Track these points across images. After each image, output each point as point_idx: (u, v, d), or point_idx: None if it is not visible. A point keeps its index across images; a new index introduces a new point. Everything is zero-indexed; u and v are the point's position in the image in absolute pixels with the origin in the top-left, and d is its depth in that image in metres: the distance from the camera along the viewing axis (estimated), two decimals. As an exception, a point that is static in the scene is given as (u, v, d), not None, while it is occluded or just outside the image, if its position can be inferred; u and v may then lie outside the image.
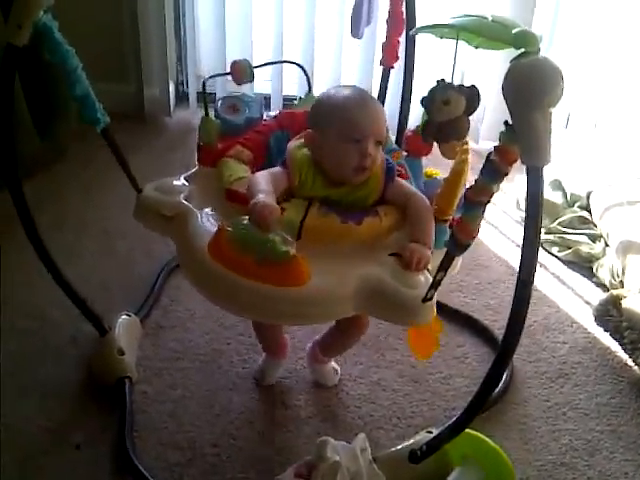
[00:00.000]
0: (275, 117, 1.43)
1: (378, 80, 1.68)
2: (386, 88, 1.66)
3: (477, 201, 0.94)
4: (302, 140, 1.25)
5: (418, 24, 1.52)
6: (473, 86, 1.17)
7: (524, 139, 0.86)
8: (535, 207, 0.90)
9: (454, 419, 1.19)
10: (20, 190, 1.29)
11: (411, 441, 1.31)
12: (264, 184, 1.13)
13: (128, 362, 1.51)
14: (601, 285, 1.94)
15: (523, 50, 0.86)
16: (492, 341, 1.68)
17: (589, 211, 2.18)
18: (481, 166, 0.93)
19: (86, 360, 1.55)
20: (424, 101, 1.21)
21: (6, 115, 1.21)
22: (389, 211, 1.19)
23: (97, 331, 1.54)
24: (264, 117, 1.45)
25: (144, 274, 1.85)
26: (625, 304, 1.66)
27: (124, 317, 1.60)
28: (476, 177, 0.94)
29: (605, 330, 1.70)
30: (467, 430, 1.20)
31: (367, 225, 1.15)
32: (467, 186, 1.14)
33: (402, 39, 1.56)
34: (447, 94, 1.17)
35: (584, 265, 2.03)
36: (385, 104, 1.57)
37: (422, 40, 1.55)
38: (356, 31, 1.56)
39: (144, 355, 1.59)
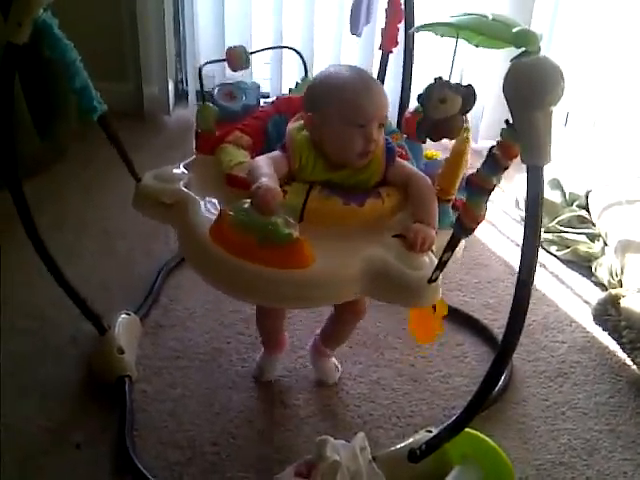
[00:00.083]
0: (272, 102, 1.42)
1: (377, 66, 1.67)
2: (385, 72, 1.65)
3: (479, 187, 0.94)
4: (301, 122, 1.24)
5: (417, 21, 1.52)
6: (470, 85, 1.17)
7: (525, 138, 0.86)
8: (535, 206, 0.90)
9: (454, 418, 1.19)
10: (20, 190, 1.29)
11: (410, 440, 1.31)
12: (266, 167, 1.13)
13: (128, 361, 1.51)
14: (600, 284, 1.94)
15: (524, 49, 0.86)
16: (491, 340, 1.68)
17: (588, 210, 2.18)
18: (479, 165, 0.94)
19: (86, 359, 1.55)
20: (420, 98, 1.21)
21: (6, 114, 1.21)
22: (391, 192, 1.19)
23: (97, 330, 1.54)
24: (261, 104, 1.45)
25: (144, 273, 1.85)
26: (624, 303, 1.66)
27: (124, 316, 1.60)
28: (478, 167, 0.94)
29: (604, 329, 1.70)
30: (466, 429, 1.20)
31: (370, 206, 1.15)
32: (468, 167, 1.15)
33: (401, 26, 1.56)
34: (444, 92, 1.17)
35: (583, 264, 2.03)
36: (384, 88, 1.57)
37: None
38: (355, 29, 1.56)
39: (144, 354, 1.59)
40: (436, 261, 1.05)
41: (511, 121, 0.87)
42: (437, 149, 1.35)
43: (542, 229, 1.00)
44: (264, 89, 2.67)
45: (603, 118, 2.63)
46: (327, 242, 1.08)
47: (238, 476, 1.33)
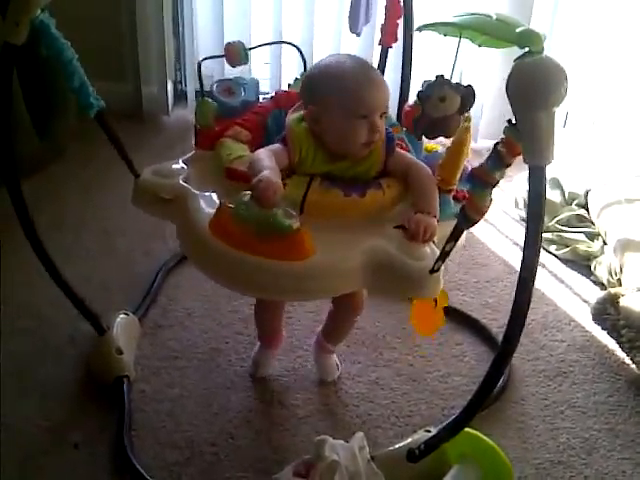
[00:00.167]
0: (272, 97, 1.42)
1: (377, 60, 1.67)
2: (384, 66, 1.65)
3: (483, 180, 0.95)
4: (301, 112, 1.23)
5: (417, 17, 1.53)
6: (470, 86, 1.17)
7: (528, 138, 0.86)
8: (537, 206, 0.90)
9: (453, 418, 1.19)
10: (19, 190, 1.29)
11: (409, 440, 1.31)
12: (267, 160, 1.12)
13: (126, 361, 1.51)
14: (599, 283, 1.94)
15: (527, 49, 0.86)
16: (490, 340, 1.68)
17: (587, 209, 2.18)
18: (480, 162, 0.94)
19: (84, 359, 1.55)
20: (420, 95, 1.21)
21: (4, 114, 1.21)
22: (392, 183, 1.19)
23: (95, 330, 1.54)
24: (260, 99, 1.45)
25: (143, 273, 1.85)
26: (623, 302, 1.66)
27: (122, 316, 1.60)
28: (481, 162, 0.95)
29: (603, 328, 1.70)
30: (465, 429, 1.20)
31: (370, 197, 1.15)
32: (468, 158, 1.15)
33: (400, 22, 1.56)
34: (444, 91, 1.17)
35: (582, 263, 2.03)
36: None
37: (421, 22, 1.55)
38: (355, 28, 1.56)
39: (142, 354, 1.59)
40: (438, 251, 1.05)
41: (514, 121, 0.87)
42: (436, 143, 1.35)
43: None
44: (264, 89, 2.67)
45: (602, 117, 2.63)
46: (327, 234, 1.08)
47: (236, 476, 1.33)
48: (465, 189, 1.15)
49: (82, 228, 2.07)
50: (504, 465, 1.27)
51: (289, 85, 1.50)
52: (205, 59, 1.38)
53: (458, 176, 1.18)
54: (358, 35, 1.59)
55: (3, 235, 1.81)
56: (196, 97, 2.68)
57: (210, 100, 1.35)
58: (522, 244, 0.93)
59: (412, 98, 1.24)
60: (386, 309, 1.74)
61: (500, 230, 2.19)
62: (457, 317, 1.75)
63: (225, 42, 2.56)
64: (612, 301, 1.68)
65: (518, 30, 0.89)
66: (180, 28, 2.75)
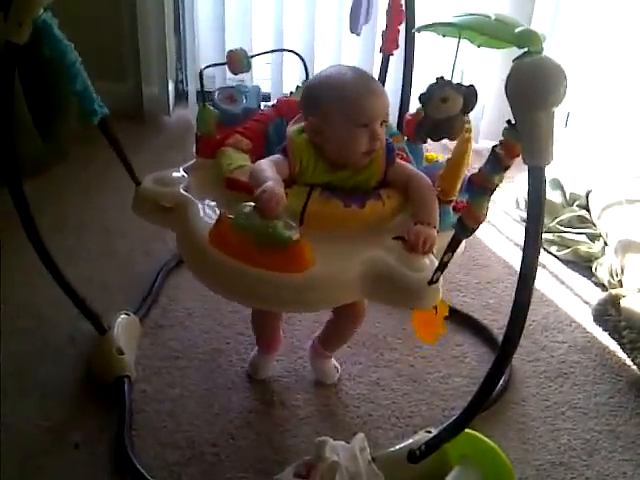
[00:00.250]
0: (273, 105, 1.42)
1: (378, 67, 1.68)
2: (386, 74, 1.66)
3: (481, 187, 0.94)
4: (301, 124, 1.23)
5: (419, 20, 1.52)
6: (471, 86, 1.17)
7: (527, 139, 0.86)
8: (537, 206, 0.90)
9: (453, 419, 1.19)
10: (21, 191, 1.29)
11: (410, 441, 1.31)
12: (270, 171, 1.12)
13: (127, 361, 1.51)
14: (600, 284, 1.94)
15: (526, 49, 0.86)
16: (491, 341, 1.68)
17: (588, 210, 2.18)
18: (480, 164, 0.94)
19: (85, 359, 1.55)
20: (422, 97, 1.21)
21: (6, 114, 1.21)
22: (391, 193, 1.19)
23: (96, 330, 1.53)
24: (261, 107, 1.45)
25: (143, 274, 1.85)
26: (624, 303, 1.66)
27: (123, 316, 1.60)
28: (479, 167, 0.94)
29: (604, 329, 1.70)
30: (466, 430, 1.19)
31: (370, 208, 1.15)
32: (469, 168, 1.15)
33: (402, 28, 1.56)
34: (445, 92, 1.17)
35: (583, 264, 2.03)
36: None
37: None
38: (355, 27, 1.56)
39: (143, 354, 1.59)
40: (436, 262, 1.05)
41: (513, 121, 0.87)
42: (438, 151, 1.35)
43: (543, 229, 1.00)
44: (264, 89, 2.67)
45: (604, 118, 2.62)
46: (327, 245, 1.08)
47: (237, 477, 1.33)
48: (464, 199, 1.15)
49: (83, 229, 2.07)
50: (505, 466, 1.27)
51: (291, 93, 1.50)
52: (207, 67, 1.39)
53: (458, 187, 1.18)
54: (358, 34, 1.59)
55: (3, 235, 1.81)
56: (197, 101, 2.68)
57: (211, 107, 1.36)
58: (523, 245, 0.93)
59: (413, 106, 1.24)
60: (386, 310, 1.73)
61: (501, 231, 2.19)
62: (458, 318, 1.75)
63: (226, 41, 2.60)
64: (613, 302, 1.67)
65: (517, 30, 0.89)
66: (181, 27, 2.75)
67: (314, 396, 1.52)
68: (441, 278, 1.05)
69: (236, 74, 1.39)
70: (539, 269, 0.95)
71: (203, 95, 1.35)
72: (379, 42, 1.60)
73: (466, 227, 0.98)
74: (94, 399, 1.47)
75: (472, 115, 1.23)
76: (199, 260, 1.14)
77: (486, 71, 2.47)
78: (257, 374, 1.54)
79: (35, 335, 1.63)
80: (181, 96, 2.91)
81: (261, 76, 2.73)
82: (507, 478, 1.27)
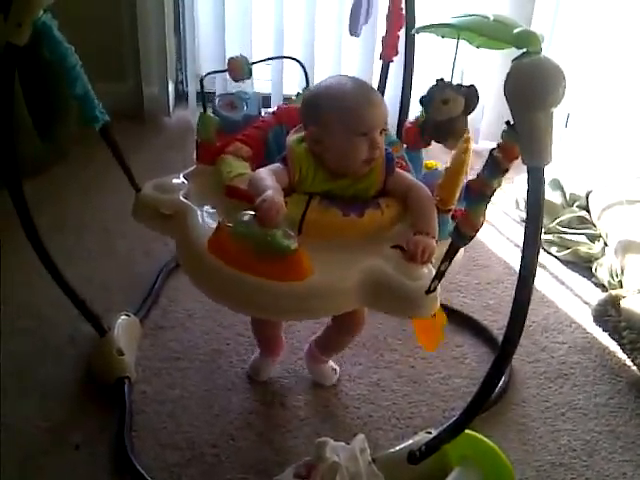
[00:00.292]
0: (273, 113, 1.42)
1: (377, 73, 1.68)
2: (385, 82, 1.66)
3: (479, 194, 0.94)
4: (301, 133, 1.24)
5: (418, 22, 1.52)
6: (472, 86, 1.17)
7: (526, 139, 0.86)
8: (536, 207, 0.90)
9: (453, 420, 1.19)
10: (20, 191, 1.29)
11: (410, 442, 1.31)
12: (269, 180, 1.12)
13: (127, 362, 1.51)
14: (600, 285, 1.94)
15: (525, 50, 0.86)
16: (491, 341, 1.68)
17: (588, 211, 2.18)
18: (480, 166, 0.93)
19: (85, 360, 1.55)
20: (423, 100, 1.21)
21: (6, 115, 1.21)
22: (390, 202, 1.19)
23: (96, 331, 1.53)
24: (262, 114, 1.45)
25: (143, 274, 1.85)
26: (624, 304, 1.66)
27: (123, 317, 1.60)
28: (477, 172, 0.94)
29: (604, 330, 1.70)
30: (466, 431, 1.19)
31: (369, 217, 1.15)
32: (468, 177, 1.15)
33: (401, 34, 1.56)
34: (446, 94, 1.17)
35: (583, 265, 2.03)
36: (385, 98, 1.57)
37: (422, 35, 1.55)
38: (354, 29, 1.56)
39: (143, 355, 1.59)
40: (434, 271, 1.05)
41: (512, 122, 0.87)
42: (437, 159, 1.35)
43: (542, 230, 1.01)
44: (264, 90, 2.68)
45: (603, 119, 2.62)
46: (325, 253, 1.08)
47: (237, 478, 1.33)
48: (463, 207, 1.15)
49: (83, 229, 2.07)
50: (505, 467, 1.27)
51: (291, 98, 1.50)
52: (208, 74, 1.39)
53: (457, 196, 1.18)
54: (357, 36, 1.59)
55: (3, 235, 1.81)
56: (198, 104, 2.69)
57: (212, 114, 1.36)
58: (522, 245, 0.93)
59: (412, 114, 1.24)
60: (387, 310, 1.73)
61: (501, 231, 2.19)
62: (458, 319, 1.75)
63: (226, 41, 2.60)
64: (613, 303, 1.68)
65: (515, 31, 0.89)
66: (181, 28, 2.75)
67: (314, 397, 1.52)
68: (439, 287, 1.05)
69: (237, 81, 1.40)
70: (539, 270, 0.95)
71: (204, 102, 1.35)
72: (379, 48, 1.60)
73: (463, 234, 0.98)
74: (94, 400, 1.47)
75: (472, 116, 1.23)
76: (198, 268, 1.15)
77: (486, 72, 2.47)
78: (258, 376, 1.54)
79: (35, 335, 1.63)
80: (181, 97, 2.91)
81: (261, 77, 2.73)
82: (507, 479, 1.27)
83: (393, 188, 1.21)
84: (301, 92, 1.51)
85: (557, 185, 2.28)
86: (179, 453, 1.36)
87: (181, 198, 1.24)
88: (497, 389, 1.49)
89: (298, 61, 1.55)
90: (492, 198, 0.95)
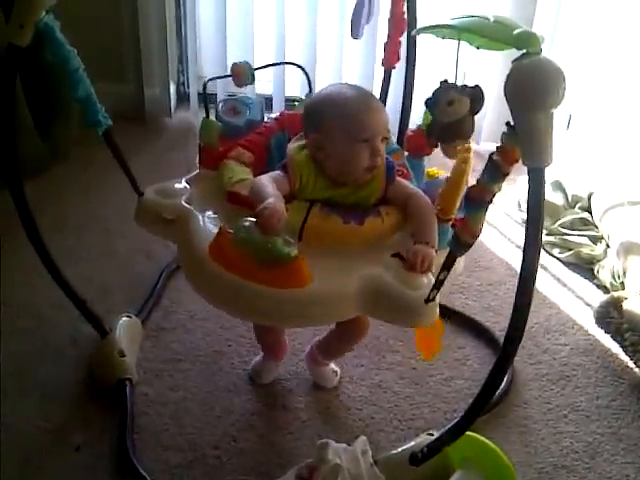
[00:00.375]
0: (276, 118, 1.42)
1: (379, 81, 1.68)
2: (388, 89, 1.66)
3: (479, 200, 0.94)
4: (302, 141, 1.24)
5: (419, 24, 1.52)
6: (476, 86, 1.17)
7: (526, 140, 0.86)
8: (537, 208, 0.90)
9: (455, 421, 1.19)
10: (21, 191, 1.29)
11: (412, 443, 1.31)
12: (270, 187, 1.12)
13: (129, 363, 1.50)
14: (602, 287, 1.94)
15: (525, 51, 0.86)
16: (493, 343, 1.68)
17: (590, 212, 2.18)
18: (482, 167, 0.93)
19: (86, 361, 1.55)
20: (428, 102, 1.21)
21: (8, 116, 1.21)
22: (391, 211, 1.19)
23: (97, 332, 1.53)
24: (265, 119, 1.45)
25: (145, 275, 1.85)
26: (626, 306, 1.66)
27: (125, 318, 1.60)
28: (477, 177, 0.94)
29: (606, 332, 1.70)
30: (467, 432, 1.19)
31: (369, 225, 1.15)
32: (469, 181, 1.15)
33: (403, 39, 1.56)
34: (450, 95, 1.17)
35: (585, 267, 2.03)
36: (386, 105, 1.57)
37: (423, 40, 1.55)
38: (356, 32, 1.56)
39: (144, 357, 1.59)
40: (434, 280, 1.05)
41: (512, 123, 0.87)
42: (439, 167, 1.35)
43: (544, 231, 1.01)
44: (266, 92, 2.68)
45: (606, 120, 2.62)
46: (326, 261, 1.08)
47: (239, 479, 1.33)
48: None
49: (84, 229, 2.07)
50: (507, 469, 1.27)
51: (293, 101, 1.51)
52: (211, 79, 1.40)
53: (457, 206, 1.17)
54: (359, 38, 1.59)
55: (4, 235, 1.81)
56: (200, 99, 2.68)
57: (214, 120, 1.36)
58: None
59: (413, 122, 1.24)
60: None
61: (503, 233, 2.18)
62: (460, 320, 1.75)
63: (228, 43, 2.60)
64: (615, 304, 1.67)
65: (516, 32, 0.89)
66: (183, 29, 2.75)
67: (316, 399, 1.52)
68: (438, 295, 1.05)
69: (240, 86, 1.40)
70: (541, 271, 0.96)
71: (207, 107, 1.35)
72: (380, 53, 1.60)
73: (462, 242, 0.98)
74: (95, 401, 1.47)
75: (471, 145, 1.22)
76: (199, 274, 1.15)
77: (487, 73, 2.47)
78: (260, 379, 1.54)
79: (35, 336, 1.63)
80: (182, 98, 2.90)
81: (262, 78, 2.73)
82: (509, 481, 1.27)
83: (394, 196, 1.21)
84: (304, 98, 1.51)
85: (559, 186, 2.28)
86: (181, 455, 1.36)
87: (183, 203, 1.24)
88: (499, 391, 1.48)
89: (301, 67, 1.56)
90: (492, 202, 0.95)
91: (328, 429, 1.44)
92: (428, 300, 1.04)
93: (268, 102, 2.65)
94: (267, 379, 1.54)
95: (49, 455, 1.35)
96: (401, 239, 1.17)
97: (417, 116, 1.30)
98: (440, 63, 2.34)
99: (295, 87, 2.64)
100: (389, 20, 1.54)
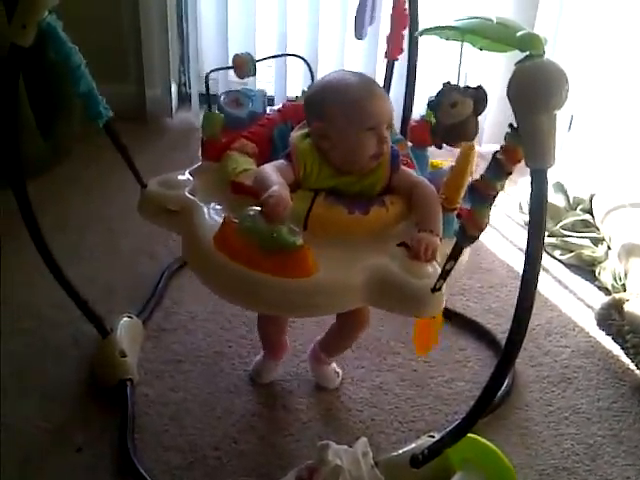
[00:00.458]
0: (279, 110, 1.42)
1: (381, 73, 1.67)
2: (391, 80, 1.65)
3: (483, 195, 0.94)
4: (305, 130, 1.24)
5: (422, 23, 1.53)
6: (479, 87, 1.17)
7: (529, 141, 0.86)
8: (539, 210, 0.90)
9: (456, 423, 1.18)
10: (24, 191, 1.29)
11: (413, 445, 1.30)
12: (275, 175, 1.12)
13: (130, 364, 1.50)
14: (603, 289, 1.94)
15: (528, 53, 0.86)
16: (494, 345, 1.68)
17: (592, 214, 2.18)
18: (484, 168, 0.94)
19: (87, 361, 1.55)
20: (431, 104, 1.21)
21: (11, 116, 1.21)
22: (395, 200, 1.18)
23: (99, 332, 1.53)
24: (267, 111, 1.44)
25: (148, 276, 1.85)
26: (627, 308, 1.65)
27: (126, 319, 1.60)
28: (481, 174, 0.94)
29: (607, 334, 1.70)
30: (469, 434, 1.19)
31: (374, 215, 1.15)
32: (474, 176, 1.14)
33: (406, 33, 1.56)
34: (453, 97, 1.17)
35: (586, 268, 2.03)
36: (389, 96, 1.57)
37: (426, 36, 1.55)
38: (359, 32, 1.56)
39: (145, 357, 1.59)
40: (440, 270, 1.05)
41: (515, 125, 0.87)
42: (443, 158, 1.35)
43: (546, 233, 1.00)
44: (268, 92, 2.67)
45: (607, 122, 2.62)
46: (331, 250, 1.08)
47: (239, 480, 1.33)
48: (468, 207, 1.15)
49: (86, 229, 2.07)
50: (507, 471, 1.26)
51: (297, 97, 1.50)
52: (213, 71, 1.39)
53: (462, 195, 1.17)
54: (362, 39, 1.59)
55: (5, 235, 1.81)
56: (201, 105, 2.69)
57: (217, 111, 1.35)
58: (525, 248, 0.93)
59: (416, 111, 1.24)
60: (390, 314, 1.71)
61: (504, 235, 2.18)
62: (461, 322, 1.75)
63: (229, 44, 2.60)
64: (616, 306, 1.67)
65: (519, 34, 0.89)
66: (184, 29, 2.75)
67: (317, 400, 1.52)
68: (444, 286, 1.04)
69: (242, 78, 1.39)
70: (542, 273, 0.95)
71: (209, 98, 1.35)
72: (382, 46, 1.60)
73: (468, 234, 0.98)
74: (96, 401, 1.47)
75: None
76: (203, 264, 1.14)
77: (488, 75, 2.47)
78: (261, 378, 1.54)
79: (36, 336, 1.62)
80: (184, 99, 2.90)
81: (264, 79, 2.73)
82: (510, 483, 1.27)
83: (398, 185, 1.21)
84: (307, 90, 1.50)
85: (560, 188, 2.28)
86: (181, 456, 1.36)
87: (187, 194, 1.24)
88: (500, 393, 1.48)
89: (302, 58, 1.55)
90: (495, 200, 0.95)
91: (329, 430, 1.44)
92: (434, 289, 1.04)
93: (270, 102, 2.64)
94: (267, 379, 1.54)
95: (49, 455, 1.35)
96: (406, 228, 1.16)
97: (421, 107, 1.29)
98: (443, 56, 2.34)
99: (297, 87, 2.64)
100: (391, 16, 1.54)
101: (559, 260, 2.06)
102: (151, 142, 2.61)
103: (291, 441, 1.41)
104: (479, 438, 1.27)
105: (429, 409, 1.51)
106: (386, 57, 1.61)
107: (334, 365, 1.55)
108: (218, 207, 1.21)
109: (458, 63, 1.15)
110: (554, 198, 2.24)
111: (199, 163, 1.36)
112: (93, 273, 1.83)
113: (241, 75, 1.38)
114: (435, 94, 1.19)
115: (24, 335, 1.62)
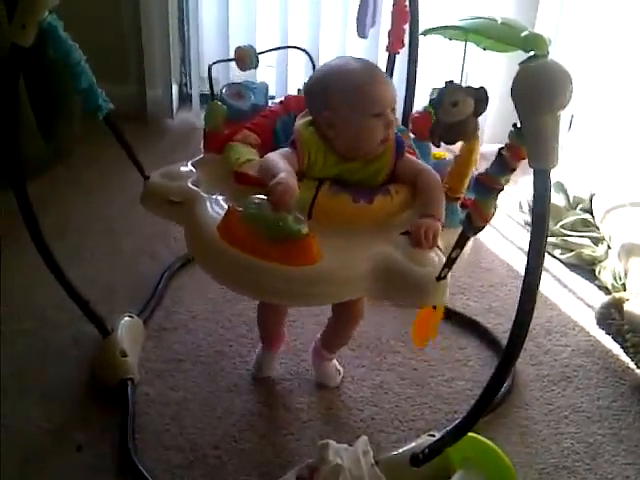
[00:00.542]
0: (281, 102, 1.42)
1: (383, 67, 1.67)
2: (392, 73, 1.65)
3: (488, 187, 0.95)
4: (309, 118, 1.23)
5: (422, 19, 1.54)
6: (481, 87, 1.17)
7: (532, 142, 0.86)
8: (542, 210, 0.90)
9: (456, 423, 1.19)
10: (25, 192, 1.29)
11: (413, 444, 1.31)
12: (282, 163, 1.12)
13: (131, 363, 1.50)
14: (603, 288, 1.94)
15: (532, 53, 0.86)
16: (494, 344, 1.68)
17: (592, 213, 2.18)
18: (484, 168, 0.94)
19: (87, 361, 1.55)
20: (432, 102, 1.22)
21: (11, 116, 1.21)
22: (400, 189, 1.18)
23: (99, 332, 1.53)
24: (269, 104, 1.44)
25: (149, 276, 1.85)
26: (627, 307, 1.66)
27: (127, 318, 1.60)
28: (486, 167, 0.95)
29: (607, 333, 1.70)
30: (469, 433, 1.19)
31: (379, 203, 1.14)
32: (477, 166, 1.15)
33: (407, 27, 1.56)
34: (455, 96, 1.17)
35: (586, 268, 2.03)
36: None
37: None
38: (362, 31, 1.56)
39: (146, 357, 1.59)
40: (444, 259, 1.05)
41: (519, 125, 0.87)
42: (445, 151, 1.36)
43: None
44: (269, 92, 2.67)
45: (607, 121, 2.62)
46: (335, 239, 1.08)
47: None
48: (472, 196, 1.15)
49: (86, 230, 2.07)
50: (508, 470, 1.27)
51: (298, 90, 1.50)
52: (215, 63, 1.39)
53: (466, 184, 1.18)
54: (365, 38, 1.59)
55: (6, 236, 1.81)
56: (202, 103, 2.68)
57: (219, 103, 1.35)
58: (526, 248, 0.94)
59: (418, 103, 1.24)
60: (390, 313, 1.73)
61: (504, 234, 2.18)
62: (461, 321, 1.75)
63: (230, 44, 2.60)
64: (616, 306, 1.67)
65: (523, 34, 0.89)
66: (185, 30, 2.75)
67: (317, 399, 1.52)
68: (449, 275, 1.04)
69: (244, 70, 1.39)
70: (543, 273, 0.95)
71: (212, 89, 1.34)
72: (383, 40, 1.60)
73: (474, 225, 0.98)
74: (97, 401, 1.47)
75: (480, 124, 1.23)
76: (207, 254, 1.14)
77: (490, 75, 2.47)
78: (260, 372, 1.55)
79: (37, 336, 1.63)
80: (185, 99, 2.90)
81: (265, 79, 2.72)
82: (510, 482, 1.27)
83: (402, 172, 1.21)
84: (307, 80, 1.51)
85: (560, 188, 2.28)
86: (182, 455, 1.36)
87: (190, 185, 1.24)
88: (500, 392, 1.48)
89: (305, 50, 1.55)
90: (500, 193, 0.95)
91: (329, 429, 1.44)
92: (439, 278, 1.04)
93: (271, 100, 2.63)
94: (267, 372, 1.55)
95: (49, 455, 1.35)
96: (411, 217, 1.16)
97: (422, 99, 1.29)
98: (445, 53, 2.33)
99: (298, 86, 2.64)
100: (392, 12, 1.55)
101: (559, 259, 2.06)
102: (152, 143, 2.60)
103: (291, 440, 1.42)
104: (479, 437, 1.28)
105: (429, 408, 1.51)
106: (387, 51, 1.61)
107: (335, 362, 1.56)
108: (221, 197, 1.21)
109: (461, 62, 1.15)
110: (554, 197, 2.24)
111: (201, 155, 1.35)
112: (94, 273, 1.83)
113: (243, 68, 1.38)
114: (437, 92, 1.19)
115: (25, 336, 1.62)
